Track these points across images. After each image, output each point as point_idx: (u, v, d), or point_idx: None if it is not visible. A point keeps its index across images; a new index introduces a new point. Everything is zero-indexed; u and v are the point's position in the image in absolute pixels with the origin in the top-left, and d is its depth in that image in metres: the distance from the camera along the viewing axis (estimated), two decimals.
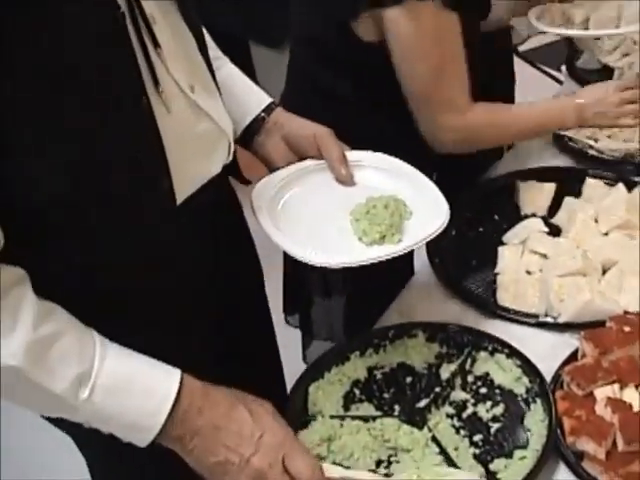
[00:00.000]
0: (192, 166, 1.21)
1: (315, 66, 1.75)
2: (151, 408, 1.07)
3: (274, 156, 1.44)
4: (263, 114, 1.45)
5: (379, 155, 1.47)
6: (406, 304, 1.58)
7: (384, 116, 1.69)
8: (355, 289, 1.74)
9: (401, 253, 1.30)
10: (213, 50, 1.47)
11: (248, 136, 1.45)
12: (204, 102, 1.22)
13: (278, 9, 1.90)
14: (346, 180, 1.41)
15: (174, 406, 1.07)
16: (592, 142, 1.98)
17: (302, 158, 1.44)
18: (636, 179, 1.79)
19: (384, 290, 1.60)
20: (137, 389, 1.06)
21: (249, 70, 2.92)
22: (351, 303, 1.76)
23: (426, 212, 1.37)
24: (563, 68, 2.46)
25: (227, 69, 1.47)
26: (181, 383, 1.08)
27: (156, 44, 1.13)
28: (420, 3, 1.52)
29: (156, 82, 1.12)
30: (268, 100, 1.48)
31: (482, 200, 1.81)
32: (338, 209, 1.39)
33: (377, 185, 1.42)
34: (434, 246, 1.65)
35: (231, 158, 1.32)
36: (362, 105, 1.71)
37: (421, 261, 1.68)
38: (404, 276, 1.66)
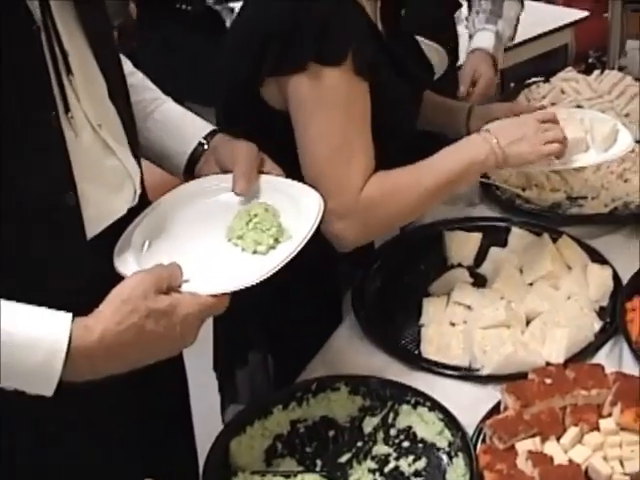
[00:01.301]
0: (100, 198, 1.20)
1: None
2: (40, 360, 1.00)
3: None
4: (203, 141, 1.42)
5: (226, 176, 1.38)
6: (331, 356, 1.56)
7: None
8: (278, 341, 1.71)
9: (304, 243, 1.21)
10: (152, 91, 1.46)
11: (190, 166, 1.41)
12: (111, 142, 1.22)
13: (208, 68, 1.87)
14: (244, 190, 1.32)
15: (67, 353, 1.01)
16: (520, 191, 2.00)
17: None
18: (561, 229, 1.80)
19: (309, 341, 1.58)
20: (21, 345, 1.00)
21: None
22: (275, 355, 1.73)
23: (296, 202, 1.30)
24: None
25: (169, 105, 1.46)
26: (71, 330, 1.02)
27: (69, 71, 1.14)
28: (325, 68, 1.41)
29: (66, 106, 1.13)
30: (210, 128, 1.45)
31: (408, 249, 1.81)
32: (210, 241, 1.28)
33: (236, 203, 1.33)
34: (359, 297, 1.64)
35: (136, 202, 1.29)
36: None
37: (346, 312, 1.67)
38: (330, 326, 1.64)
